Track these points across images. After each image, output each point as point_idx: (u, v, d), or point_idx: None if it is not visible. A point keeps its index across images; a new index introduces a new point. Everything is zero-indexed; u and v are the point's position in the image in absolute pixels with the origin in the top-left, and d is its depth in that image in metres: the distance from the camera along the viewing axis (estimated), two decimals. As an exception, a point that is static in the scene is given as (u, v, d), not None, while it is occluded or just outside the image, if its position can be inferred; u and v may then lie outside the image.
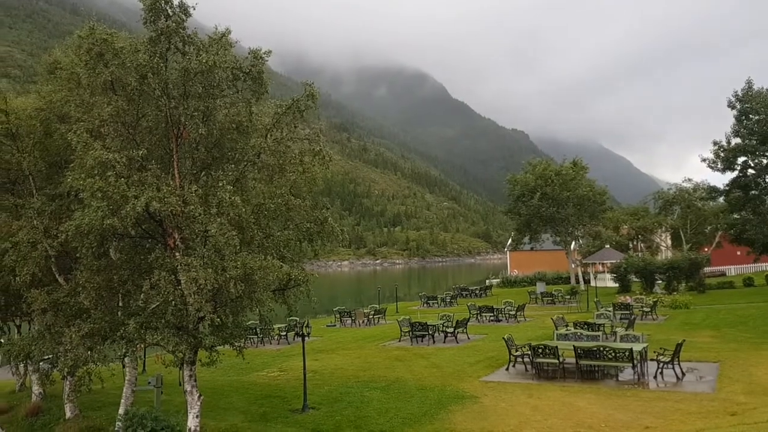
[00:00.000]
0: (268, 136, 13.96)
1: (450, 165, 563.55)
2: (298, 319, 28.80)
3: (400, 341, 27.92)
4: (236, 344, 14.00)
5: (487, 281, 71.99)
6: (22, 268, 15.57)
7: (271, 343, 29.80)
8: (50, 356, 16.93)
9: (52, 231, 15.13)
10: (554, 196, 55.39)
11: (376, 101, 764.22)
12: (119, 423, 14.49)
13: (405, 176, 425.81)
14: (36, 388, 20.73)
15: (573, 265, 60.29)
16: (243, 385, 20.20)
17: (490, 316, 35.15)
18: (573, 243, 61.82)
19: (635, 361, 17.97)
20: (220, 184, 12.62)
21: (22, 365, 22.80)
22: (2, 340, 21.96)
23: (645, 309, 33.27)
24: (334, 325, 37.28)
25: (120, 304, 14.63)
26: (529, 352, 19.57)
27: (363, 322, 36.97)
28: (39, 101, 16.95)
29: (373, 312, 38.10)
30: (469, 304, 38.65)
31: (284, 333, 30.10)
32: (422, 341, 27.21)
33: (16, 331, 23.80)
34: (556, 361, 18.82)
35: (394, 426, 14.53)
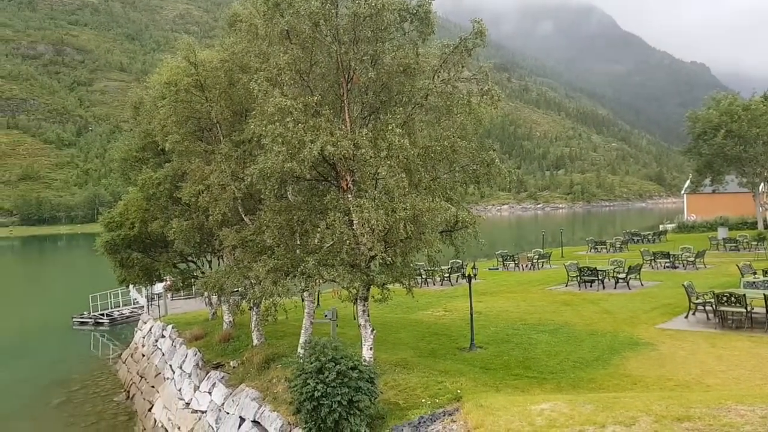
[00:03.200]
0: (435, 77, 13.93)
1: (619, 103, 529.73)
2: (460, 261, 29.06)
3: (566, 286, 27.27)
4: (406, 283, 14.45)
5: (660, 226, 67.65)
6: (214, 208, 17.14)
7: (434, 284, 30.47)
8: (239, 289, 18.68)
9: (239, 174, 16.42)
10: (741, 134, 50.16)
11: (537, 39, 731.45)
12: (301, 350, 15.73)
13: (569, 116, 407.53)
14: (227, 317, 22.94)
15: (761, 209, 54.75)
16: (410, 323, 20.92)
17: (666, 262, 33.08)
18: (762, 185, 55.95)
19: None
20: (389, 127, 12.87)
21: (214, 296, 25.20)
22: (199, 274, 24.44)
23: None
24: (497, 269, 37.19)
25: (298, 242, 15.60)
26: (712, 300, 18.25)
27: (526, 266, 36.52)
28: (222, 53, 18.11)
29: (537, 256, 37.45)
30: (642, 249, 36.62)
31: (447, 275, 30.61)
32: (591, 286, 26.37)
33: (207, 266, 26.43)
34: (743, 310, 17.39)
35: (564, 369, 14.34)
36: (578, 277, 27.01)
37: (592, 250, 45.73)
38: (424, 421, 10.96)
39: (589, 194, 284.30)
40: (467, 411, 10.62)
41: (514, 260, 37.49)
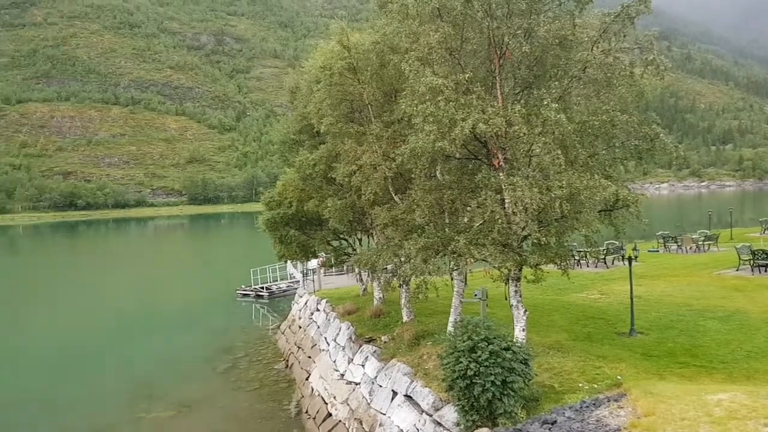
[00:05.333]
0: (594, 48, 13.21)
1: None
2: (617, 242, 27.69)
3: (738, 270, 25.07)
4: (560, 264, 13.98)
5: None
6: (366, 188, 17.55)
7: (588, 266, 29.31)
8: (390, 266, 19.06)
9: (389, 154, 16.67)
10: None
11: (701, 3, 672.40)
12: (451, 329, 15.80)
13: (739, 86, 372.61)
14: (377, 294, 23.54)
15: None
16: (563, 305, 20.29)
17: None
18: None
19: None
20: (544, 103, 12.41)
21: (365, 273, 25.96)
22: (351, 251, 25.29)
23: None
24: (657, 251, 35.01)
25: (448, 221, 15.59)
26: None
27: (691, 248, 34.04)
28: (374, 35, 18.40)
29: (703, 238, 34.74)
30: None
31: (603, 256, 29.30)
32: (766, 271, 24.07)
33: (358, 244, 27.27)
34: None
35: (737, 358, 13.24)
36: (751, 261, 24.74)
37: (766, 232, 41.67)
38: (587, 406, 10.59)
39: (761, 171, 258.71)
40: (635, 397, 10.16)
41: (676, 242, 35.11)
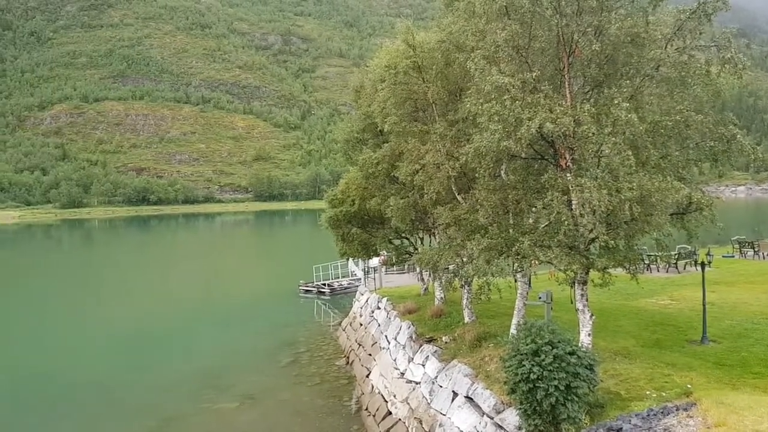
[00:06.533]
0: (668, 46, 12.77)
1: None
2: (689, 246, 26.71)
3: (819, 279, 23.84)
4: (629, 267, 13.60)
5: None
6: (429, 187, 17.52)
7: (658, 271, 28.38)
8: (451, 266, 18.96)
9: (453, 153, 16.60)
10: None
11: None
12: (514, 331, 15.59)
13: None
14: (438, 293, 23.45)
15: None
16: (631, 310, 19.72)
17: None
18: None
19: None
20: (614, 102, 12.11)
21: (426, 273, 25.90)
22: (413, 250, 25.29)
23: None
24: (732, 256, 33.57)
25: (512, 222, 15.39)
26: None
27: (768, 254, 32.52)
28: (439, 34, 18.33)
29: (781, 244, 33.14)
30: None
31: (674, 261, 28.32)
32: None
33: (419, 243, 27.25)
34: None
35: (822, 373, 12.58)
36: (835, 269, 23.45)
37: None
38: (654, 414, 10.28)
39: None
40: (705, 407, 9.79)
41: (753, 247, 33.59)
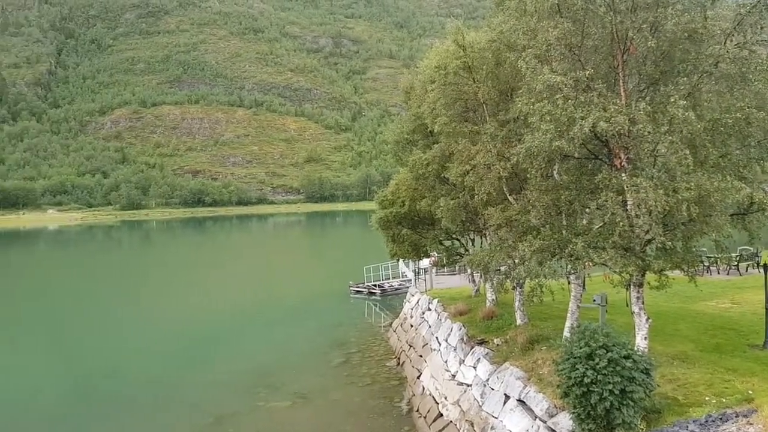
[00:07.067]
0: (728, 41, 12.37)
1: None
2: (751, 248, 25.75)
3: None
4: (687, 270, 13.22)
5: None
6: (480, 188, 17.41)
7: (719, 273, 27.46)
8: (503, 268, 18.81)
9: (504, 154, 16.46)
10: None
11: None
12: (567, 334, 15.35)
13: None
14: (490, 295, 23.26)
15: None
16: (689, 314, 19.15)
17: None
18: None
19: None
20: (671, 100, 11.80)
21: (477, 274, 25.74)
22: (463, 251, 25.18)
23: None
24: (797, 258, 32.25)
25: (565, 223, 15.16)
26: None
27: (836, 256, 31.09)
28: (489, 33, 18.20)
29: None
30: None
31: (735, 263, 27.37)
32: None
33: (471, 244, 27.10)
34: None
35: None
36: None
37: None
38: (713, 420, 9.98)
39: None
40: (767, 414, 9.43)
41: (818, 249, 32.14)
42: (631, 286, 13.26)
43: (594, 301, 15.99)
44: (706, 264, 27.14)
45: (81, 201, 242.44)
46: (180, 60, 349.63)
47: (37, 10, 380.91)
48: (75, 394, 24.90)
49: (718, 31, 12.62)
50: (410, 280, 40.10)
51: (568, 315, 16.51)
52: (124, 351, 31.83)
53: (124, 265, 78.48)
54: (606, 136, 12.56)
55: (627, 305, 15.05)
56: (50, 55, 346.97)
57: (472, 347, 19.12)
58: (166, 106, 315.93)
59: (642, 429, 10.48)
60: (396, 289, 43.95)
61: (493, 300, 23.02)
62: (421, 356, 23.69)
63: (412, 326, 28.07)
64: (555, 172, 15.61)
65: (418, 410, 20.09)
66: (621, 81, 13.22)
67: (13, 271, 76.15)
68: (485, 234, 23.58)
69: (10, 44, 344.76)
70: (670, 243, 12.10)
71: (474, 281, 27.79)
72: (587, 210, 12.86)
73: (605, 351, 10.65)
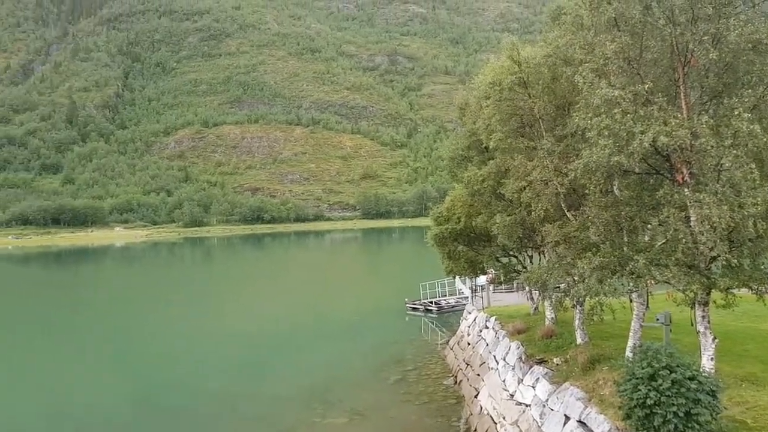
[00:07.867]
0: (796, 52, 11.95)
1: None
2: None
3: None
4: (756, 288, 12.70)
5: None
6: (536, 204, 17.24)
7: (790, 290, 26.26)
8: (562, 285, 18.46)
9: (561, 169, 16.25)
10: None
11: None
12: (629, 354, 14.94)
13: None
14: (549, 313, 22.85)
15: None
16: (759, 333, 18.38)
17: None
18: None
19: None
20: (735, 113, 11.47)
21: (535, 291, 25.35)
22: (521, 268, 24.86)
23: None
24: None
25: (626, 239, 14.82)
26: None
27: None
28: (545, 48, 18.09)
29: None
30: None
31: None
32: None
33: (528, 261, 26.71)
34: None
35: None
36: None
37: None
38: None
39: None
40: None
41: None
42: (696, 305, 12.85)
43: (657, 320, 15.51)
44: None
45: (146, 218, 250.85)
46: (240, 81, 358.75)
47: (105, 35, 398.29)
48: (137, 404, 25.67)
49: (786, 41, 12.21)
50: (467, 297, 39.75)
51: (630, 334, 16.07)
52: (185, 363, 32.68)
53: (186, 280, 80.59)
54: (667, 150, 12.30)
55: (692, 324, 14.56)
56: (118, 78, 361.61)
57: (531, 366, 18.80)
58: (227, 125, 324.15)
59: (709, 453, 10.09)
60: (453, 307, 43.64)
61: (552, 318, 22.61)
62: (478, 375, 23.43)
63: (469, 344, 27.82)
64: (615, 188, 15.31)
65: (475, 430, 19.86)
66: (682, 94, 12.93)
67: (84, 285, 79.27)
68: (543, 251, 23.24)
69: (80, 69, 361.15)
70: (736, 260, 11.67)
71: (532, 299, 27.36)
72: (649, 226, 12.53)
73: (668, 372, 10.35)
